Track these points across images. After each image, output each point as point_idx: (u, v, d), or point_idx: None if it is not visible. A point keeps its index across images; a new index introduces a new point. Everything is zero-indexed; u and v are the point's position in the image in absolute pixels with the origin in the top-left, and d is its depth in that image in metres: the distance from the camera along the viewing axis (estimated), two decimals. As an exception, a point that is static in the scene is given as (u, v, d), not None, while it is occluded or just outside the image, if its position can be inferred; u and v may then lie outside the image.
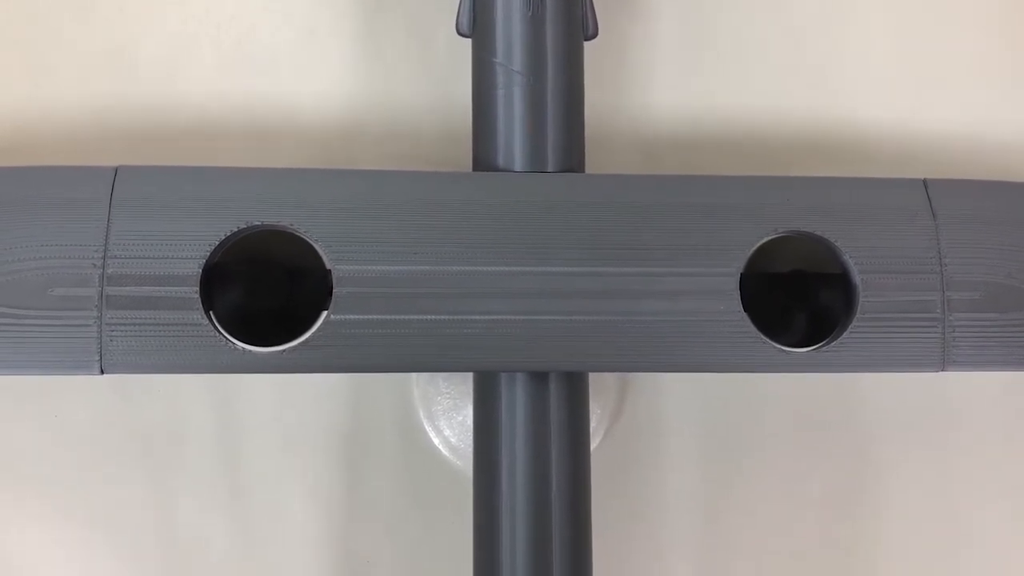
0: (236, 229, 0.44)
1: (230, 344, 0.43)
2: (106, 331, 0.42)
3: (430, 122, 0.56)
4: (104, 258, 0.43)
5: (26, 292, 0.42)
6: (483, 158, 0.49)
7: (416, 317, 0.44)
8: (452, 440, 0.55)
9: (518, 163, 0.48)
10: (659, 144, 0.57)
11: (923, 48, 0.59)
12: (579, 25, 0.50)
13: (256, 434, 0.54)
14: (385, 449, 0.55)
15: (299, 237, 0.44)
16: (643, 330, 0.45)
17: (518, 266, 0.45)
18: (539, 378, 0.47)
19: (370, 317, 0.44)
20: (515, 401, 0.47)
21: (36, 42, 0.54)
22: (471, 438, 0.51)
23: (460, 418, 0.55)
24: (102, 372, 0.43)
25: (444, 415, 0.55)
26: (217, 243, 0.43)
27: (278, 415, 0.55)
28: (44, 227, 0.43)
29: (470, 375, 0.53)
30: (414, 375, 0.56)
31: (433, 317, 0.44)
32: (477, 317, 0.45)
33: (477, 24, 0.50)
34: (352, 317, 0.44)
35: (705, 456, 0.56)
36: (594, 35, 0.51)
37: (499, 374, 0.47)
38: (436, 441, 0.55)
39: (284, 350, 0.44)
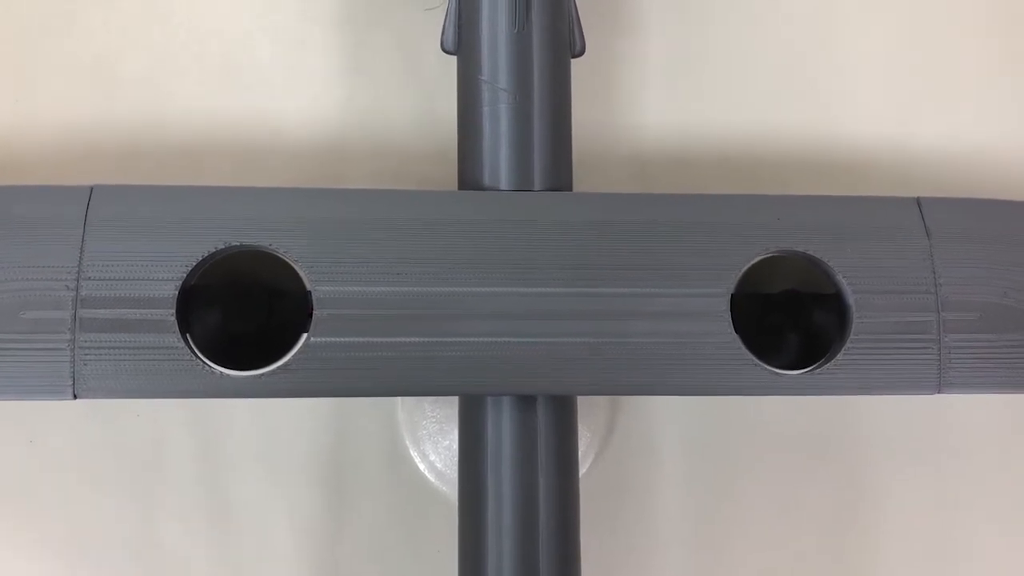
0: (214, 250, 0.43)
1: (207, 368, 0.42)
2: (79, 355, 0.41)
3: (417, 140, 0.56)
4: (78, 280, 0.41)
5: (3, 313, 0.41)
6: (469, 177, 0.48)
7: (399, 339, 0.43)
8: (438, 465, 0.54)
9: (504, 181, 0.47)
10: (648, 162, 0.56)
11: (917, 64, 0.58)
12: (566, 42, 0.49)
13: (238, 458, 0.53)
14: (369, 474, 0.54)
15: (279, 258, 0.43)
16: (632, 352, 0.44)
17: (504, 287, 0.44)
18: (526, 401, 0.46)
19: (351, 339, 0.43)
20: (501, 425, 0.46)
21: (15, 58, 0.53)
22: (457, 463, 0.50)
23: (446, 443, 0.54)
24: (75, 397, 0.41)
25: (430, 439, 0.54)
26: (194, 264, 0.42)
27: (260, 439, 0.54)
28: (17, 248, 0.42)
29: (456, 399, 0.52)
30: (399, 399, 0.55)
31: (417, 339, 0.43)
32: (462, 339, 0.44)
33: (462, 41, 0.49)
34: (333, 340, 0.43)
35: (697, 479, 0.55)
36: (581, 52, 0.50)
37: (485, 398, 0.46)
38: (422, 466, 0.54)
39: (263, 374, 0.42)
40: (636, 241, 0.45)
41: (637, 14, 0.57)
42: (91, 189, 0.43)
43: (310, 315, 0.43)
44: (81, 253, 0.42)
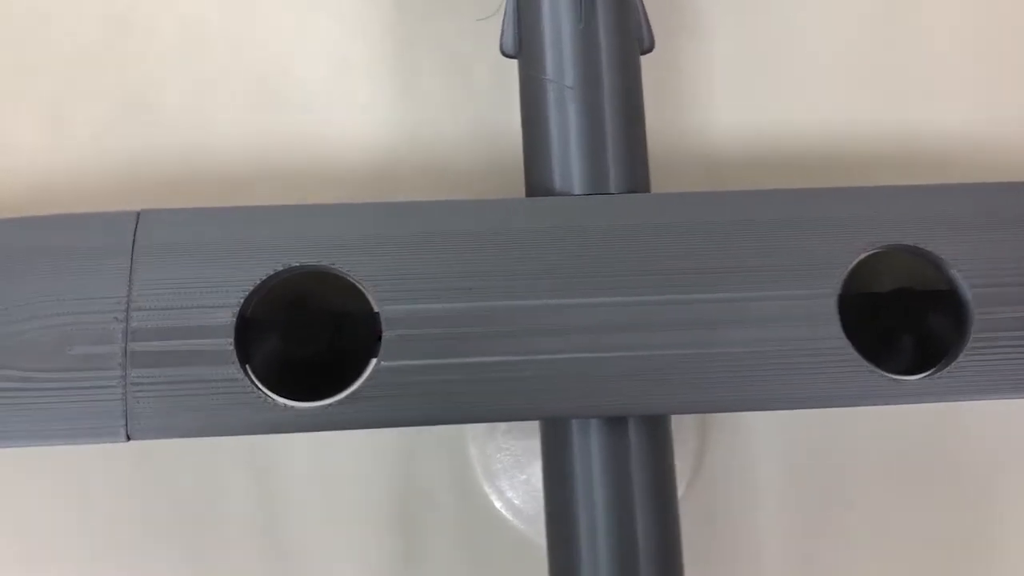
0: (272, 272, 0.39)
1: (270, 400, 0.38)
2: (131, 392, 0.38)
3: (473, 154, 0.52)
4: (127, 311, 0.38)
5: (42, 352, 0.38)
6: (538, 183, 0.44)
7: (476, 360, 0.39)
8: (516, 502, 0.50)
9: (577, 185, 0.43)
10: (721, 163, 0.53)
11: (996, 47, 0.54)
12: (633, 37, 0.46)
13: (299, 500, 0.49)
14: (440, 515, 0.50)
15: (342, 278, 0.40)
16: (732, 364, 0.40)
17: (586, 297, 0.40)
18: (616, 424, 0.42)
19: (425, 362, 0.39)
20: (590, 452, 0.42)
21: (51, 87, 0.51)
22: (537, 499, 0.45)
23: (524, 477, 0.50)
24: (128, 438, 0.38)
25: (506, 474, 0.50)
26: (251, 289, 0.39)
27: (322, 479, 0.50)
28: (60, 279, 0.39)
29: (533, 427, 0.48)
30: (469, 431, 0.51)
31: (495, 359, 0.39)
32: (543, 357, 0.40)
33: (523, 42, 0.46)
34: (405, 363, 0.39)
35: (800, 501, 0.50)
36: (650, 48, 0.47)
37: (570, 422, 0.42)
38: (498, 504, 0.50)
39: (330, 404, 0.39)
40: (730, 242, 0.41)
41: (703, 10, 0.54)
42: (138, 215, 0.40)
43: (378, 338, 0.39)
44: (130, 282, 0.39)
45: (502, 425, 0.50)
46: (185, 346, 0.38)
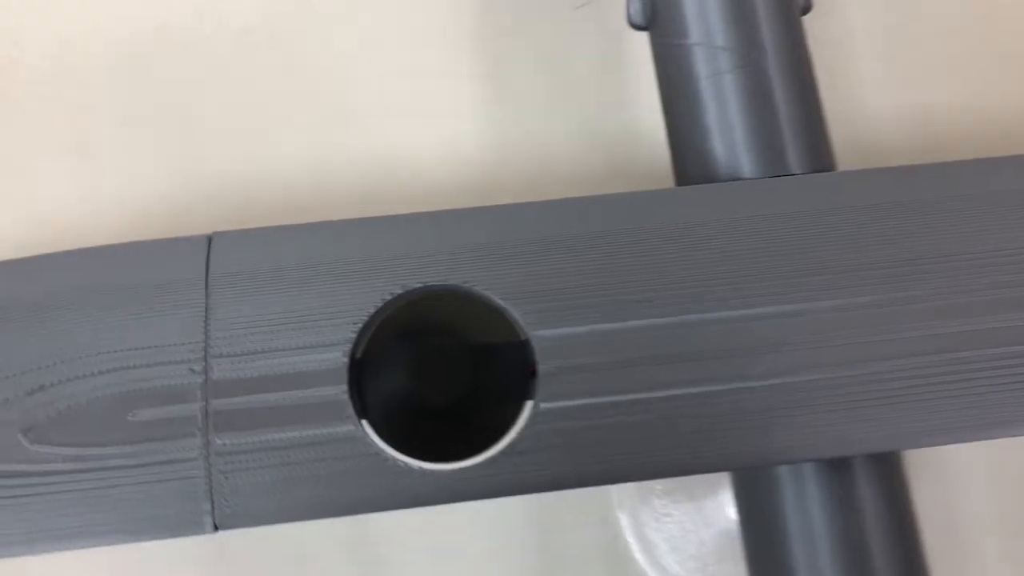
0: (389, 297, 0.30)
1: (401, 464, 0.29)
2: (217, 466, 0.28)
3: (582, 156, 0.44)
4: (205, 359, 0.29)
5: (96, 420, 0.28)
6: (693, 169, 0.36)
7: (663, 394, 0.30)
8: (686, 581, 0.40)
9: (747, 168, 0.34)
10: (880, 141, 0.44)
11: None
12: (788, -7, 0.38)
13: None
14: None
15: (475, 300, 0.31)
16: (988, 379, 0.31)
17: (799, 303, 0.31)
18: (838, 468, 0.32)
19: (597, 400, 0.30)
20: (807, 508, 0.32)
21: (80, 114, 0.43)
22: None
23: (691, 550, 0.40)
24: (216, 528, 0.28)
25: (671, 549, 0.40)
26: (365, 320, 0.30)
27: (433, 559, 0.40)
28: (115, 325, 0.30)
29: (697, 485, 0.38)
30: (615, 495, 0.41)
31: (690, 391, 0.30)
32: (743, 385, 0.30)
33: (657, 7, 0.37)
34: (572, 403, 0.29)
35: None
36: (807, 8, 0.39)
37: (777, 470, 0.32)
38: (664, 584, 0.40)
39: (480, 464, 0.29)
40: (972, 222, 0.32)
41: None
42: (209, 239, 0.31)
43: (530, 374, 0.30)
44: (206, 322, 0.29)
45: (656, 485, 0.41)
46: (284, 400, 0.29)
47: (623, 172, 0.43)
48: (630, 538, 0.40)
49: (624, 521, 0.40)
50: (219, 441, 0.28)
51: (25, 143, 0.42)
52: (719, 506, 0.39)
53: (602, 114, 0.44)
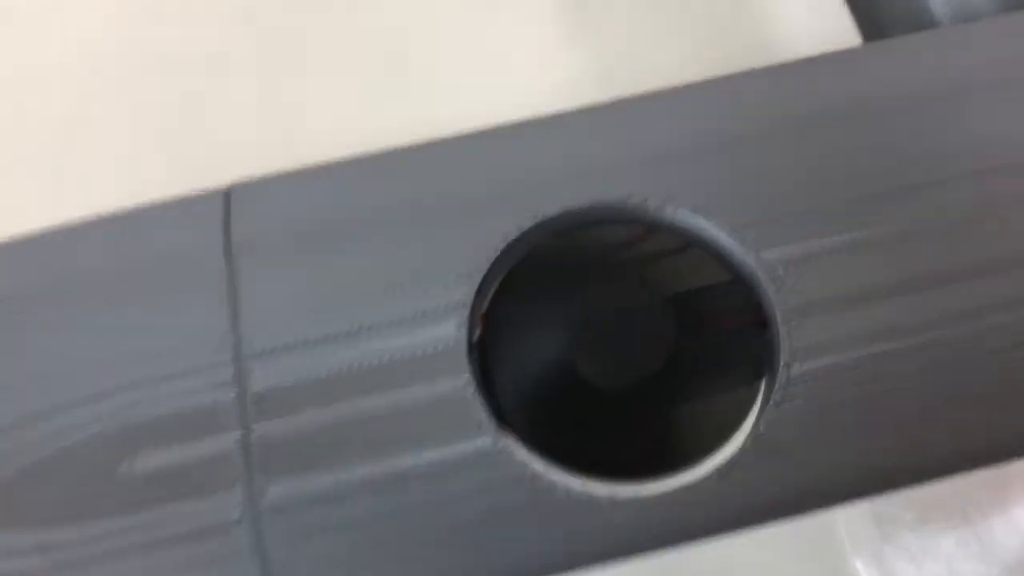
0: (518, 234, 0.19)
1: (576, 493, 0.17)
2: (273, 531, 0.17)
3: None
4: (237, 360, 0.18)
5: (70, 480, 0.17)
6: (888, 16, 0.25)
7: (968, 329, 0.18)
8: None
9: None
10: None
11: None
12: None
13: None
14: None
15: (656, 231, 0.19)
16: None
17: None
18: None
19: (876, 349, 0.18)
20: None
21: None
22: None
23: (973, 596, 0.27)
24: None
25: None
26: (484, 272, 0.18)
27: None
28: (99, 328, 0.19)
29: (961, 503, 0.26)
30: (845, 535, 0.29)
31: (1005, 318, 0.18)
32: None
33: None
34: (838, 358, 0.18)
35: None
36: None
37: None
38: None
39: (696, 484, 0.17)
40: None
41: None
42: (227, 193, 0.20)
43: (755, 324, 0.18)
44: (233, 307, 0.18)
45: (905, 514, 0.28)
46: (370, 410, 0.17)
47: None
48: (876, 589, 0.28)
49: (861, 568, 0.28)
50: (272, 489, 0.17)
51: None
52: (1013, 530, 0.27)
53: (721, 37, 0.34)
